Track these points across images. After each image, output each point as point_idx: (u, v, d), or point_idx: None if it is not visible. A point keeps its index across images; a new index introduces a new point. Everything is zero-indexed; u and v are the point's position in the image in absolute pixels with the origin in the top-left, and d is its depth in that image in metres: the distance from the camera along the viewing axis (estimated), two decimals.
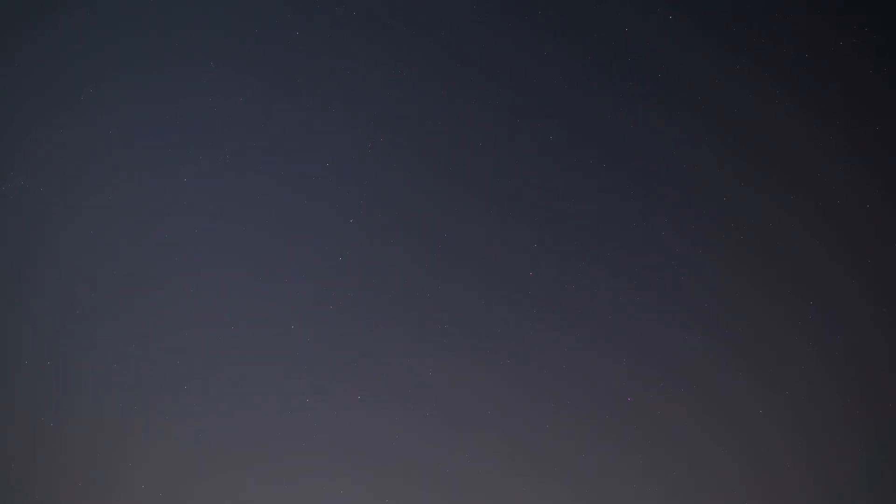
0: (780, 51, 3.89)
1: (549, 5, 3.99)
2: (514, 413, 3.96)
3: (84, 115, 3.96)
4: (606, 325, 3.98)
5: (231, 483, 3.90)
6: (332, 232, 4.02)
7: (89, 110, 3.96)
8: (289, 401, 3.96)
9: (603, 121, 3.99)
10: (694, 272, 3.95)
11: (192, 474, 3.90)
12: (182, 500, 3.88)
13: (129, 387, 3.92)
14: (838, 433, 3.82)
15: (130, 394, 3.92)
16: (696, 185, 3.96)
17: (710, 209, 3.94)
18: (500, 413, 3.96)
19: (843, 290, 3.87)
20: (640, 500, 3.88)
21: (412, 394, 3.96)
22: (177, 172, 3.99)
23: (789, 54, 3.89)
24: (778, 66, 3.90)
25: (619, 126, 3.98)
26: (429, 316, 3.99)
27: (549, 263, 4.00)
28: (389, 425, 3.96)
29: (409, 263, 4.02)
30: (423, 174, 4.04)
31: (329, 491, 3.91)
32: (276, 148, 4.04)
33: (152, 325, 3.95)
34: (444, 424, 3.95)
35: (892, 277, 3.82)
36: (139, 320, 3.95)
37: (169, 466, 3.89)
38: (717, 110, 3.93)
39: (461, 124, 4.03)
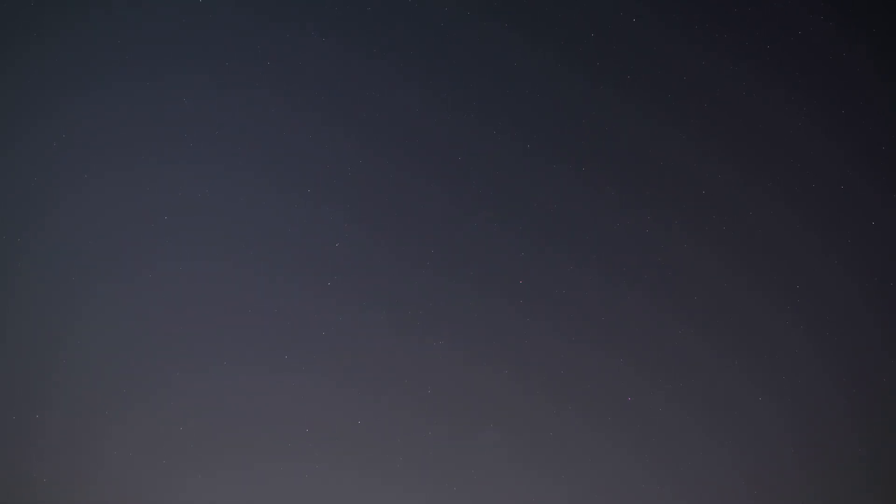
0: (762, 40, 3.94)
1: (534, 9, 4.05)
2: (514, 413, 4.01)
3: (84, 115, 3.99)
4: (603, 326, 4.02)
5: (225, 477, 3.94)
6: (327, 235, 4.07)
7: (89, 111, 3.99)
8: (287, 401, 4.00)
9: (592, 121, 4.05)
10: (687, 269, 4.00)
11: (178, 468, 3.93)
12: (164, 493, 3.92)
13: (115, 379, 3.96)
14: (836, 419, 3.87)
15: (116, 386, 3.96)
16: (686, 181, 4.01)
17: (701, 205, 3.99)
18: (499, 413, 4.01)
19: (831, 276, 3.91)
20: (642, 497, 3.92)
21: (411, 396, 4.00)
22: (170, 174, 4.03)
23: (772, 44, 3.94)
24: (759, 55, 3.94)
25: (609, 125, 4.04)
26: (428, 319, 4.03)
27: (544, 265, 4.05)
28: (389, 427, 4.00)
29: (406, 266, 4.06)
30: (416, 177, 4.09)
31: (328, 490, 3.94)
32: (273, 149, 4.09)
33: (144, 320, 3.98)
34: (444, 426, 3.99)
35: (879, 261, 3.88)
36: (131, 314, 3.98)
37: (151, 461, 3.93)
38: (702, 105, 3.99)
39: (451, 129, 4.08)
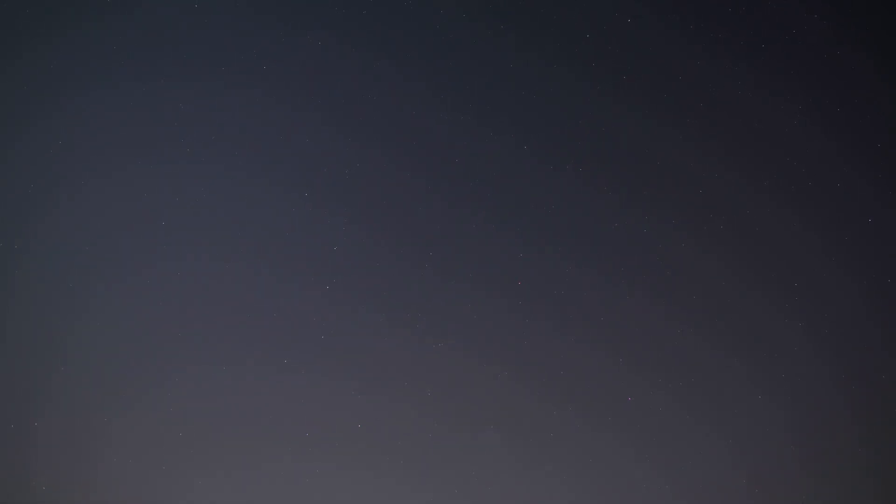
0: (758, 40, 3.95)
1: (530, 10, 4.06)
2: (514, 414, 4.01)
3: (84, 116, 4.00)
4: (603, 326, 4.03)
5: (225, 480, 3.95)
6: (326, 238, 4.07)
7: (89, 113, 4.00)
8: (287, 404, 4.00)
9: (589, 121, 4.06)
10: (686, 268, 4.00)
11: (178, 471, 3.93)
12: (164, 496, 3.92)
13: (115, 382, 3.96)
14: (836, 418, 3.87)
15: (116, 389, 3.95)
16: (684, 181, 4.01)
17: (699, 205, 4.00)
18: (500, 414, 4.01)
19: (830, 275, 3.92)
20: (643, 497, 3.92)
21: (411, 398, 4.00)
22: (168, 176, 4.04)
23: (768, 43, 3.95)
24: (756, 55, 3.95)
25: (607, 125, 4.05)
26: (427, 321, 4.04)
27: (544, 265, 4.06)
28: (389, 429, 4.00)
29: (405, 267, 4.07)
30: (415, 178, 4.09)
31: (329, 493, 3.95)
32: (271, 151, 4.09)
33: (143, 323, 3.98)
34: (445, 427, 3.99)
35: (877, 259, 3.89)
36: (130, 317, 3.98)
37: (150, 463, 3.93)
38: (699, 105, 4.00)
39: (449, 130, 4.09)
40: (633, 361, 4.00)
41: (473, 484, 3.95)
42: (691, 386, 3.96)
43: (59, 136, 3.97)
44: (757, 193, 3.95)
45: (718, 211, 3.97)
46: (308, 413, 3.98)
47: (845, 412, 3.85)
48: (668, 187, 4.02)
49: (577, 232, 4.05)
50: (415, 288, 4.05)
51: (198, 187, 4.03)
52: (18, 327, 3.92)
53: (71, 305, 3.95)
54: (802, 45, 3.92)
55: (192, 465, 3.93)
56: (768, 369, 3.92)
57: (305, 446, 3.96)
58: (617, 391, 3.99)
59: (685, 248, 4.00)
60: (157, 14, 4.01)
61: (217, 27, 4.04)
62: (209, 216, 4.03)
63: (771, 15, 3.94)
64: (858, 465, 3.83)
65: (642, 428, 3.97)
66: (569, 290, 4.04)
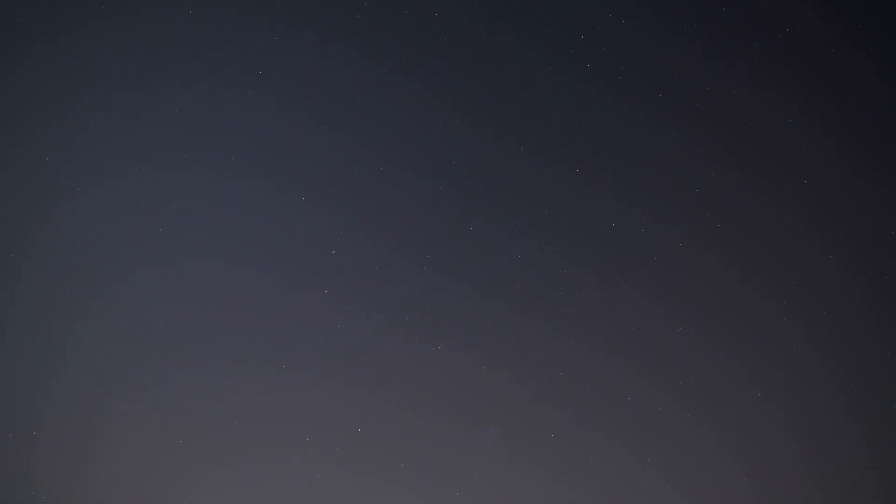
0: (753, 38, 3.96)
1: (525, 12, 4.07)
2: (514, 415, 4.01)
3: (84, 118, 4.00)
4: (603, 326, 4.03)
5: (225, 483, 3.94)
6: (324, 242, 4.07)
7: (89, 117, 4.01)
8: (287, 408, 3.99)
9: (586, 121, 4.07)
10: (685, 268, 4.01)
11: (178, 474, 3.93)
12: (164, 498, 3.93)
13: (115, 385, 3.95)
14: (835, 415, 3.87)
15: (116, 392, 3.95)
16: (681, 180, 4.02)
17: (697, 204, 4.00)
18: (500, 415, 4.01)
19: (828, 272, 3.93)
20: (643, 497, 3.93)
21: (411, 400, 4.00)
22: (167, 180, 4.04)
23: (763, 41, 3.96)
24: (751, 53, 3.97)
25: (604, 126, 4.06)
26: (426, 323, 4.04)
27: (542, 266, 4.06)
28: (389, 432, 4.00)
29: (403, 270, 4.07)
30: (412, 180, 4.10)
31: (329, 496, 3.96)
32: (272, 152, 4.10)
33: (143, 326, 3.99)
34: (445, 428, 4.00)
35: (874, 256, 3.89)
36: (130, 321, 3.98)
37: (150, 467, 3.93)
38: (695, 104, 4.01)
39: (446, 132, 4.10)
40: (633, 361, 4.01)
41: (473, 484, 3.95)
42: (691, 386, 3.97)
43: (58, 139, 3.99)
44: (755, 192, 3.97)
45: (717, 210, 3.98)
46: (308, 416, 3.98)
47: (845, 412, 3.86)
48: (666, 187, 4.03)
49: (577, 232, 4.06)
50: (414, 289, 4.06)
51: (196, 190, 4.04)
52: (18, 330, 3.93)
53: (71, 308, 3.96)
54: (800, 44, 3.93)
55: (191, 469, 3.93)
56: (768, 369, 3.93)
57: (305, 449, 3.96)
58: (617, 391, 4.00)
59: (684, 248, 4.01)
60: (154, 17, 4.02)
61: (214, 30, 4.06)
62: (207, 219, 4.04)
63: (768, 14, 3.94)
64: (858, 465, 3.83)
65: (642, 428, 3.98)
66: (568, 291, 4.05)
